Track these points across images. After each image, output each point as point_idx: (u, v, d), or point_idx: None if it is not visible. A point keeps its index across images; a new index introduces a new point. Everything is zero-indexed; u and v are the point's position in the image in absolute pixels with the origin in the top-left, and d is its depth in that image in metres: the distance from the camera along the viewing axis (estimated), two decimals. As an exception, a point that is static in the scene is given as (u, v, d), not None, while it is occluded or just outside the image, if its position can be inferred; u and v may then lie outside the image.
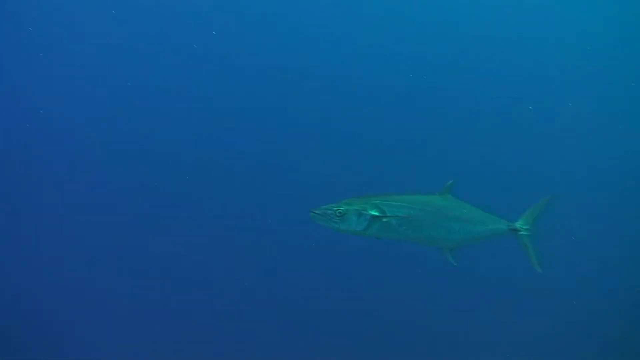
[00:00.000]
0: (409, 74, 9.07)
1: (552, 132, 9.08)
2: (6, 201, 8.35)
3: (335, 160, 8.74)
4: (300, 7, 9.05)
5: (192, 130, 8.73)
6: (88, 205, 8.51)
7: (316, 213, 4.65)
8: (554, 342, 8.23)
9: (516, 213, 5.18)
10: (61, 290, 8.03)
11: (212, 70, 8.84)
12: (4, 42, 8.55)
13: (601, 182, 9.04)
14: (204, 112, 8.81)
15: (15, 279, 8.03)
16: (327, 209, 4.66)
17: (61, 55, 8.58)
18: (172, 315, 8.19)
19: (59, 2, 8.59)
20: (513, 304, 8.42)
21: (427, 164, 8.71)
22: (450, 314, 8.31)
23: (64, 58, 8.59)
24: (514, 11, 9.20)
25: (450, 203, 5.03)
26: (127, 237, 8.38)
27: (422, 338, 8.20)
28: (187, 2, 8.87)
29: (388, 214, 4.73)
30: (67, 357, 7.72)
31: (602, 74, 9.17)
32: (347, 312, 8.27)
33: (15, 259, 8.16)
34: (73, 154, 8.60)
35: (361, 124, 8.95)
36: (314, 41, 9.03)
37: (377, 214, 4.70)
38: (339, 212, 4.62)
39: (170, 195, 8.62)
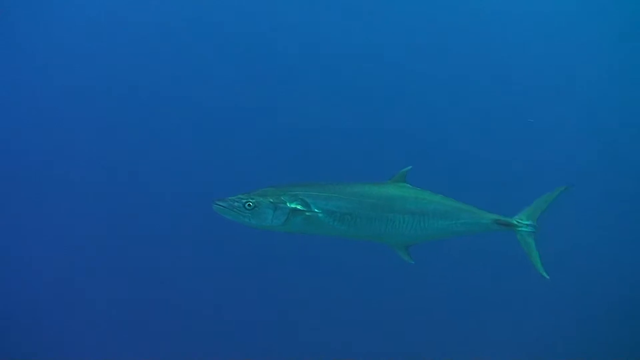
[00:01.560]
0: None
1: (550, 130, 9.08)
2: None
3: (333, 160, 8.74)
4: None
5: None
6: (86, 206, 8.55)
7: (221, 205, 4.12)
8: (552, 342, 8.21)
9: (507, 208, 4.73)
10: (58, 291, 8.06)
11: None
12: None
13: (600, 181, 9.02)
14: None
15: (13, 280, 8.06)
16: (234, 200, 4.12)
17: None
18: (171, 316, 8.19)
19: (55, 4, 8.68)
20: (511, 304, 8.40)
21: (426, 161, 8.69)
22: (448, 313, 8.29)
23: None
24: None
25: (405, 193, 4.40)
26: (126, 238, 8.39)
27: (421, 338, 8.17)
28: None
29: (313, 208, 4.17)
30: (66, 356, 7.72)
31: (600, 74, 9.18)
32: (346, 312, 8.25)
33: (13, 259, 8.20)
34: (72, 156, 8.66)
35: (359, 122, 8.97)
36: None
37: (298, 206, 4.16)
38: (249, 205, 4.08)
39: (163, 195, 8.64)
